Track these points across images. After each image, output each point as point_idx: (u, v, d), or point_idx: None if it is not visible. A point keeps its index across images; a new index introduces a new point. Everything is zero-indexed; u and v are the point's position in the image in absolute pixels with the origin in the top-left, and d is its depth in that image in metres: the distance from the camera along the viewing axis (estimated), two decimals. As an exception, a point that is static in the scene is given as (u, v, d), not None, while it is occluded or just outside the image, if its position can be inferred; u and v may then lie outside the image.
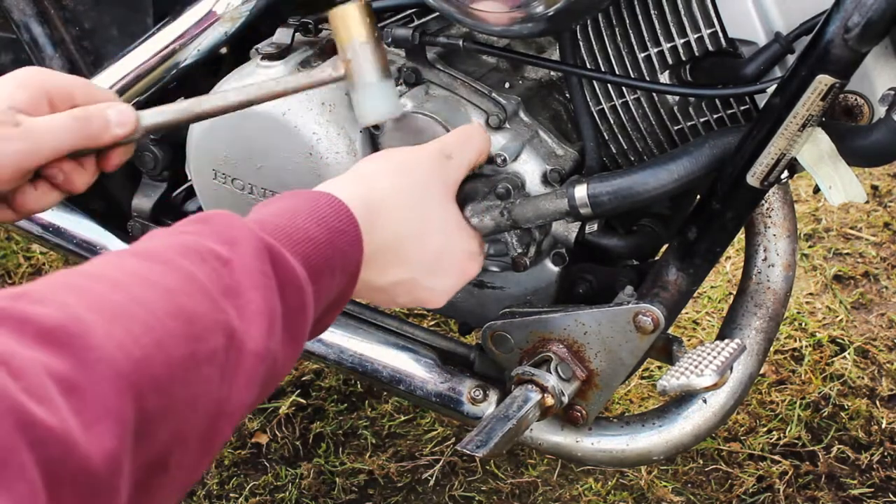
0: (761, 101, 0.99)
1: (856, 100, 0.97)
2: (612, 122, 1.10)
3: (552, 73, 1.17)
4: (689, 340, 1.91)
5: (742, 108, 1.04)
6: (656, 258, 1.17)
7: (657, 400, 1.76)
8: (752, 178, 0.97)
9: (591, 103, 1.10)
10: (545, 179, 1.08)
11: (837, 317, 1.96)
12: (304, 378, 1.86)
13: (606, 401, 1.12)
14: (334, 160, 1.09)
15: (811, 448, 1.70)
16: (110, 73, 1.26)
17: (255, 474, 1.69)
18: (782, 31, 0.97)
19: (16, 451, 0.49)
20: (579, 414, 1.12)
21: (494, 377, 1.19)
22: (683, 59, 1.04)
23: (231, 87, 0.93)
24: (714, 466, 1.67)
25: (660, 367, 1.81)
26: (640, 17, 1.04)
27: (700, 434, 1.16)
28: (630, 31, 1.05)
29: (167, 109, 0.91)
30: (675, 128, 1.08)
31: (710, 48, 1.02)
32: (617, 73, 1.07)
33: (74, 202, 1.41)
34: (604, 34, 1.07)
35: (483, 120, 1.08)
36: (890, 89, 0.95)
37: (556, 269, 1.12)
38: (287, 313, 0.70)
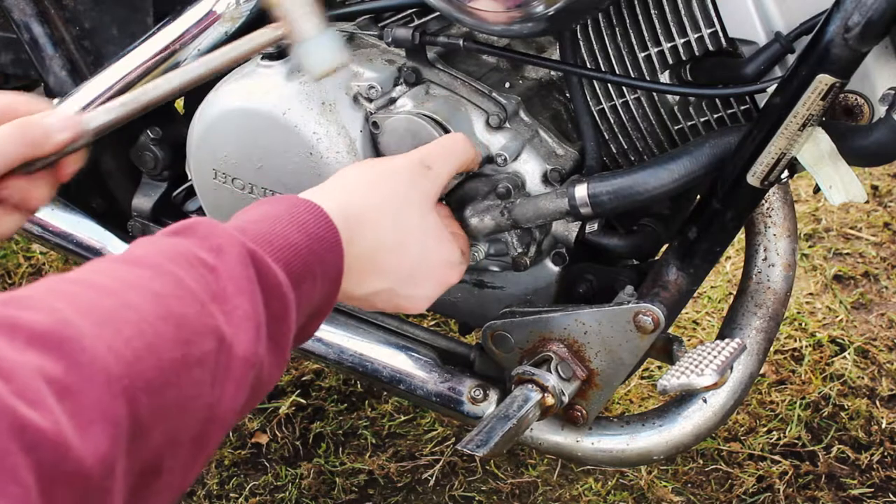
0: (761, 100, 0.99)
1: (856, 99, 0.97)
2: (612, 121, 1.10)
3: (552, 72, 1.17)
4: (689, 340, 1.91)
5: (742, 107, 1.04)
6: (656, 258, 1.17)
7: (657, 400, 1.76)
8: (753, 178, 0.97)
9: (591, 103, 1.11)
10: (545, 179, 1.08)
11: (837, 317, 1.96)
12: (304, 378, 1.86)
13: (606, 400, 1.12)
14: (334, 160, 1.09)
15: (811, 448, 1.70)
16: (110, 73, 1.26)
17: (255, 474, 1.69)
18: (782, 31, 0.97)
19: (9, 455, 0.48)
20: (579, 414, 1.12)
21: (494, 377, 1.19)
22: (684, 58, 1.04)
23: (175, 71, 0.91)
24: (714, 466, 1.67)
25: (660, 367, 1.81)
26: (640, 17, 1.04)
27: (700, 434, 1.16)
28: (630, 31, 1.05)
29: (113, 106, 0.88)
30: (676, 127, 1.08)
31: (711, 48, 1.02)
32: (617, 72, 1.07)
33: (74, 202, 1.41)
34: (604, 34, 1.07)
35: (483, 119, 1.08)
36: (890, 89, 0.95)
37: (556, 268, 1.12)
38: (270, 320, 0.70)
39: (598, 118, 1.11)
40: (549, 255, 1.11)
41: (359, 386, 1.84)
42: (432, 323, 1.94)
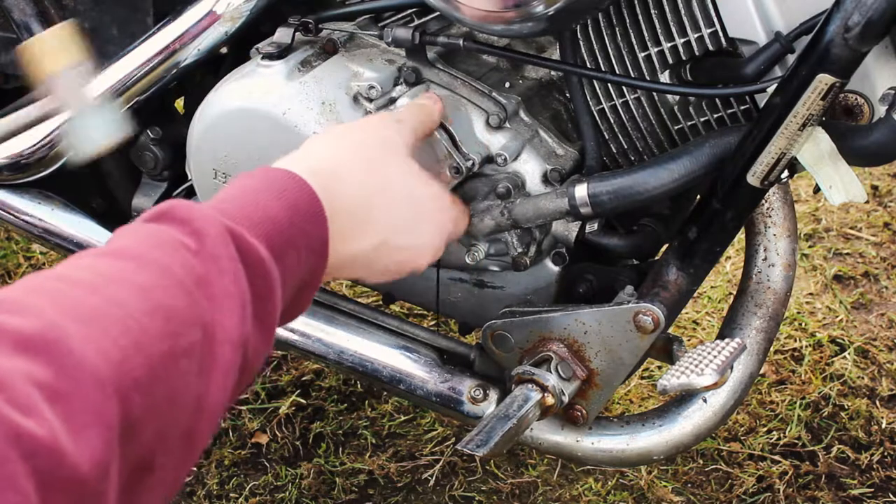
0: (761, 100, 0.99)
1: (856, 99, 0.97)
2: (612, 121, 1.10)
3: (552, 72, 1.17)
4: (689, 340, 1.91)
5: (742, 107, 1.04)
6: (656, 258, 1.17)
7: (657, 400, 1.76)
8: (753, 178, 0.97)
9: (591, 103, 1.11)
10: (545, 179, 1.08)
11: (837, 317, 1.96)
12: (304, 378, 1.86)
13: (606, 400, 1.12)
14: (334, 160, 1.09)
15: (811, 448, 1.70)
16: (110, 73, 1.26)
17: (255, 474, 1.69)
18: (782, 31, 0.97)
19: (7, 462, 0.48)
20: (579, 413, 1.12)
21: (494, 377, 1.19)
22: (684, 58, 1.04)
23: None
24: (714, 466, 1.67)
25: (660, 367, 1.81)
26: (640, 17, 1.04)
27: (700, 434, 1.16)
28: (630, 31, 1.05)
29: None
30: (676, 127, 1.08)
31: (711, 48, 1.02)
32: (617, 72, 1.07)
33: (74, 202, 1.41)
34: (604, 34, 1.07)
35: (483, 119, 1.08)
36: (890, 89, 0.95)
37: (556, 268, 1.12)
38: (255, 299, 0.69)
39: (598, 118, 1.11)
40: (549, 254, 1.11)
41: (359, 386, 1.84)
42: (432, 323, 1.94)
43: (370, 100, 1.09)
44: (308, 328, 1.25)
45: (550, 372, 1.08)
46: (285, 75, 1.11)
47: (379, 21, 1.19)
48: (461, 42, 1.08)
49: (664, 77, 1.06)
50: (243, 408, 1.80)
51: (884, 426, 1.73)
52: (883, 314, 1.98)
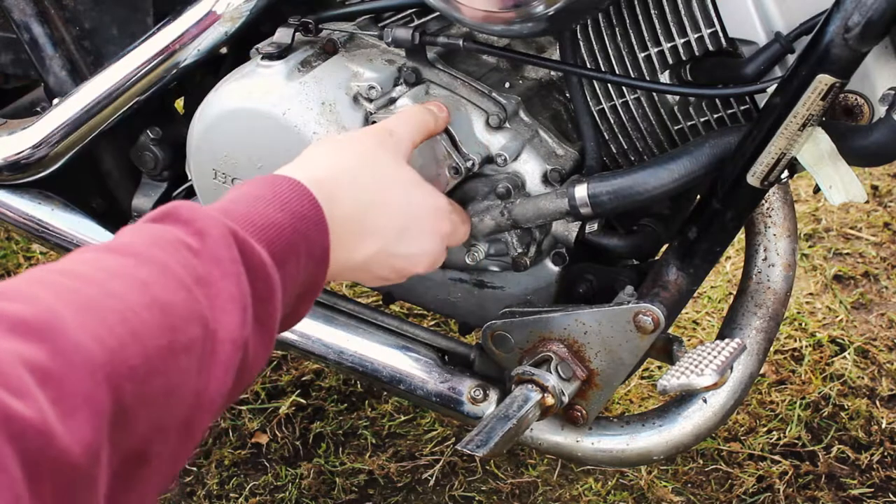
0: (761, 100, 0.99)
1: (856, 99, 0.97)
2: (612, 121, 1.10)
3: (552, 72, 1.17)
4: (689, 340, 1.91)
5: (742, 107, 1.04)
6: (656, 258, 1.17)
7: (657, 400, 1.76)
8: (753, 178, 0.97)
9: (591, 103, 1.11)
10: (545, 179, 1.08)
11: (837, 317, 1.96)
12: (304, 378, 1.86)
13: (606, 400, 1.12)
14: (334, 160, 1.09)
15: (811, 448, 1.70)
16: (110, 73, 1.27)
17: (255, 474, 1.69)
18: (782, 31, 0.97)
19: None
20: (579, 414, 1.12)
21: (494, 377, 1.19)
22: (683, 58, 1.04)
23: None
24: (714, 466, 1.67)
25: (660, 367, 1.81)
26: (640, 17, 1.04)
27: (700, 434, 1.16)
28: (630, 31, 1.05)
29: None
30: (676, 127, 1.08)
31: (711, 48, 1.02)
32: (617, 72, 1.07)
33: (74, 202, 1.41)
34: (604, 34, 1.07)
35: (483, 119, 1.08)
36: (890, 89, 0.95)
37: (556, 268, 1.12)
38: (256, 301, 0.69)
39: (598, 118, 1.11)
40: (549, 255, 1.11)
41: (359, 386, 1.84)
42: (432, 323, 1.94)
43: (370, 100, 1.09)
44: (308, 328, 1.25)
45: (550, 372, 1.08)
46: (285, 75, 1.11)
47: (379, 21, 1.19)
48: (461, 42, 1.08)
49: (664, 77, 1.06)
50: (243, 408, 1.80)
51: (884, 426, 1.73)
52: (883, 314, 1.98)
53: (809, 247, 2.15)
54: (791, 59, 0.98)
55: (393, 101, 1.09)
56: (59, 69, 1.34)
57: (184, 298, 0.64)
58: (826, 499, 1.61)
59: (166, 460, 0.62)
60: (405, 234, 0.91)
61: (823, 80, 0.89)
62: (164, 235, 0.68)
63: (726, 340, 1.01)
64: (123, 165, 1.38)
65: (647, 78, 1.06)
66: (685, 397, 1.16)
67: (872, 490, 1.63)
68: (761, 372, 1.73)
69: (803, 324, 1.94)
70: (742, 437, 1.72)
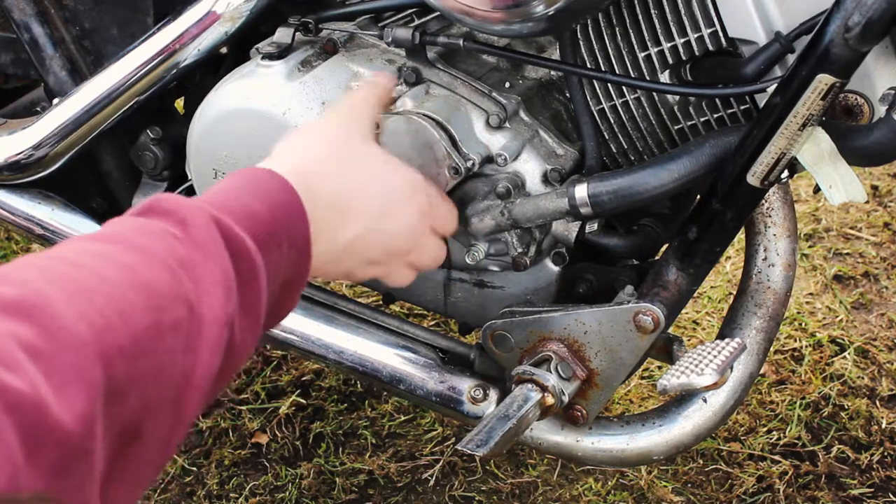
0: (761, 100, 0.99)
1: (856, 99, 0.97)
2: (612, 121, 1.10)
3: (552, 72, 1.17)
4: (689, 340, 1.91)
5: (742, 107, 1.04)
6: (656, 258, 1.17)
7: (657, 399, 1.76)
8: (753, 178, 0.97)
9: (591, 103, 1.11)
10: (545, 179, 1.08)
11: (837, 317, 1.96)
12: (304, 378, 1.86)
13: (606, 400, 1.12)
14: (334, 160, 1.09)
15: (811, 448, 1.70)
16: (110, 73, 1.27)
17: (255, 474, 1.69)
18: (782, 31, 0.97)
19: None
20: (579, 413, 1.12)
21: (494, 377, 1.19)
22: (684, 58, 1.04)
23: None
24: (714, 466, 1.67)
25: (660, 367, 1.81)
26: (640, 17, 1.04)
27: (700, 434, 1.16)
28: (630, 31, 1.05)
29: None
30: (676, 127, 1.08)
31: (711, 48, 1.02)
32: (617, 72, 1.07)
33: (74, 202, 1.41)
34: (604, 33, 1.07)
35: (483, 119, 1.08)
36: (890, 89, 0.95)
37: (556, 268, 1.12)
38: (241, 285, 0.71)
39: (598, 118, 1.11)
40: (549, 254, 1.11)
41: (359, 386, 1.84)
42: (432, 323, 1.94)
43: (370, 100, 1.09)
44: (308, 328, 1.25)
45: (550, 372, 1.08)
46: (285, 75, 1.11)
47: (379, 21, 1.19)
48: (461, 42, 1.08)
49: (664, 77, 1.06)
50: (243, 408, 1.80)
51: (884, 426, 1.73)
52: (883, 314, 1.98)
53: (809, 247, 2.15)
54: (791, 58, 0.98)
55: (393, 100, 1.09)
56: (59, 69, 1.34)
57: (168, 280, 0.66)
58: (826, 499, 1.61)
59: (158, 440, 0.64)
60: (385, 213, 0.92)
61: (823, 80, 0.89)
62: (148, 226, 0.70)
63: (726, 340, 1.01)
64: (123, 165, 1.38)
65: (647, 78, 1.06)
66: (685, 397, 1.16)
67: (872, 490, 1.63)
68: (761, 372, 1.73)
69: (803, 324, 1.94)
70: (742, 437, 1.72)
